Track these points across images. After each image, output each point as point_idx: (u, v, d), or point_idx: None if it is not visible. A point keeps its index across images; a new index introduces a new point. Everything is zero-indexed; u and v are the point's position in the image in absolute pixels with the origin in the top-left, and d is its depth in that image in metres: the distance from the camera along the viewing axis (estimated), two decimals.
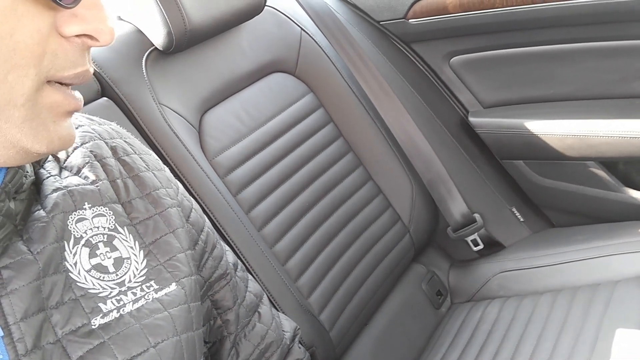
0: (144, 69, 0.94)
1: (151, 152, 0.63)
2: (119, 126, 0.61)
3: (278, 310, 0.93)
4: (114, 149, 0.56)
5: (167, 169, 0.63)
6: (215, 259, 0.64)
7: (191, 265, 0.56)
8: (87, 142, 0.54)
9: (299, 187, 1.08)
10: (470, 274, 1.26)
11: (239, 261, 0.73)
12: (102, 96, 0.91)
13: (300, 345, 0.77)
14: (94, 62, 0.91)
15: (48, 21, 0.39)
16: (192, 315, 0.54)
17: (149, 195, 0.56)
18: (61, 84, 0.42)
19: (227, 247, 0.70)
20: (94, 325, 0.46)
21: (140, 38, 0.97)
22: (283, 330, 0.74)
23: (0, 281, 0.43)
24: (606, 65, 1.14)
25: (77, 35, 0.41)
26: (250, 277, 0.74)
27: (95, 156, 0.54)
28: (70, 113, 0.43)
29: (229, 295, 0.66)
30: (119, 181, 0.54)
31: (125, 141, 0.59)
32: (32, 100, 0.40)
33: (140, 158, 0.59)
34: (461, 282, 1.27)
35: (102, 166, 0.54)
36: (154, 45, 0.96)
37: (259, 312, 0.71)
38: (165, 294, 0.52)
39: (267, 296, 0.91)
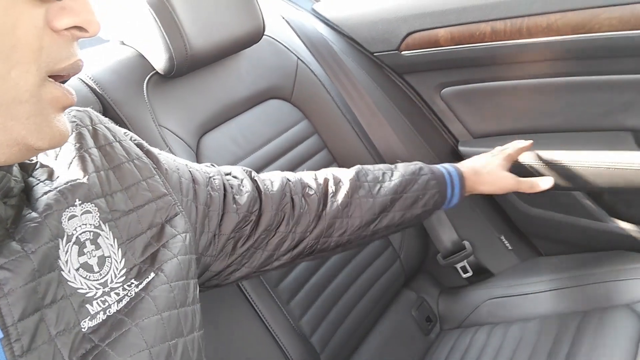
0: (145, 91, 0.96)
1: (129, 134, 0.63)
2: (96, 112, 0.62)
3: (271, 332, 0.94)
4: (95, 137, 0.57)
5: (145, 145, 0.64)
6: (214, 210, 0.70)
7: (174, 250, 0.57)
8: (71, 134, 0.55)
9: None
10: (460, 301, 1.28)
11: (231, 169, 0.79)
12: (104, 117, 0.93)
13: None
14: (96, 84, 0.94)
15: (41, 15, 0.40)
16: (173, 294, 0.55)
17: (129, 189, 0.57)
18: (59, 78, 0.43)
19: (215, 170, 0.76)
20: (84, 328, 0.47)
21: (142, 62, 1.00)
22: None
23: None
24: (591, 98, 1.18)
25: (66, 29, 0.42)
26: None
27: (80, 147, 0.55)
28: (64, 108, 0.44)
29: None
30: (102, 173, 0.55)
31: (106, 127, 0.60)
32: (36, 96, 0.40)
33: (121, 145, 0.59)
34: (450, 308, 1.29)
35: (88, 157, 0.54)
36: (155, 69, 0.99)
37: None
38: (146, 283, 0.53)
39: (260, 318, 0.93)
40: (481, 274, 1.28)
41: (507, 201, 1.33)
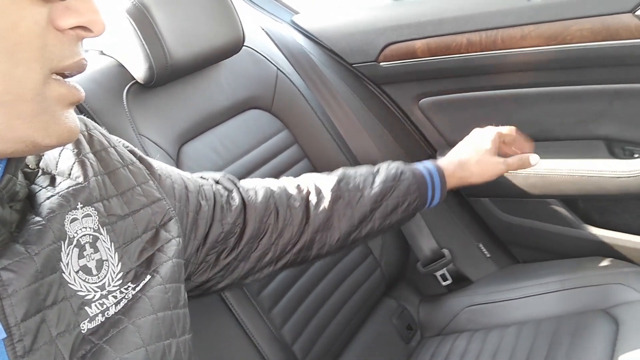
0: (124, 101, 0.96)
1: (121, 140, 0.64)
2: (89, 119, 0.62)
3: (252, 340, 0.94)
4: (91, 142, 0.58)
5: (138, 152, 0.65)
6: (202, 218, 0.70)
7: (169, 253, 0.58)
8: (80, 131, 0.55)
9: None
10: (440, 308, 1.29)
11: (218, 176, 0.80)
12: None
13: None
14: None
15: (44, 14, 0.40)
16: (168, 295, 0.56)
17: (124, 194, 0.58)
18: (63, 76, 0.43)
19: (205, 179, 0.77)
20: (83, 329, 0.48)
21: (121, 72, 1.00)
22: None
23: (0, 283, 0.43)
24: (565, 108, 1.21)
25: (71, 28, 0.42)
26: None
27: (79, 152, 0.55)
28: (73, 105, 0.45)
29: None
30: (99, 177, 0.56)
31: (100, 132, 0.61)
32: (41, 95, 0.41)
33: (116, 151, 0.60)
34: (431, 316, 1.30)
35: (87, 161, 0.55)
36: (134, 79, 0.99)
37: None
38: (142, 285, 0.54)
39: (242, 326, 0.93)
40: (460, 282, 1.30)
41: (485, 209, 1.35)
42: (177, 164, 1.01)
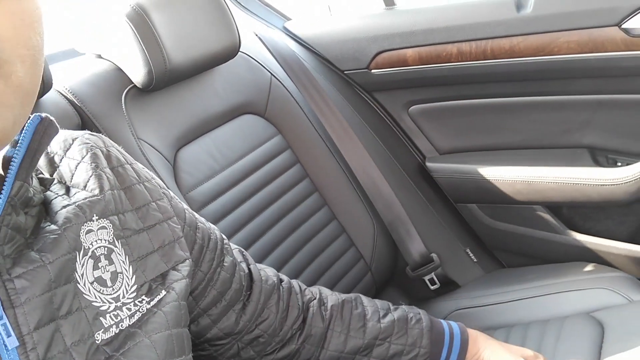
0: (123, 105, 0.97)
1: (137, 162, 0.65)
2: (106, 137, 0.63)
3: None
4: (108, 158, 0.58)
5: (155, 176, 0.65)
6: (212, 250, 0.69)
7: (183, 272, 0.59)
8: (85, 155, 0.56)
9: (267, 224, 1.12)
10: (428, 312, 1.28)
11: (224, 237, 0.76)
12: (82, 129, 0.93)
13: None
14: (74, 96, 0.94)
15: None
16: (181, 312, 0.56)
17: (140, 209, 0.58)
18: None
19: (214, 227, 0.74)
20: (98, 340, 0.48)
21: (119, 75, 1.00)
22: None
23: (14, 291, 0.44)
24: (551, 117, 1.25)
25: None
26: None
27: (96, 167, 0.56)
28: None
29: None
30: (115, 192, 0.56)
31: (118, 150, 0.62)
32: None
33: (132, 168, 0.61)
34: None
35: (104, 175, 0.56)
36: (133, 82, 1.00)
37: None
38: (158, 300, 0.54)
39: None
40: (448, 286, 1.32)
41: (472, 215, 1.38)
42: (174, 168, 1.01)
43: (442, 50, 1.24)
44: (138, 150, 0.94)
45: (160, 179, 0.95)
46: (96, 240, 0.51)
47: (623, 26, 1.04)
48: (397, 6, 1.34)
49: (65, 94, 0.94)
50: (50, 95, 0.91)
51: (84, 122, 0.93)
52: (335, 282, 1.19)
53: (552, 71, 1.16)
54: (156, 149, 0.98)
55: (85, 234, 0.51)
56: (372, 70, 1.34)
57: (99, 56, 1.04)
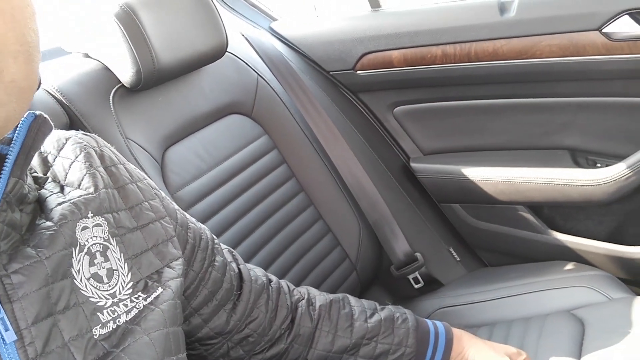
0: (111, 104, 0.97)
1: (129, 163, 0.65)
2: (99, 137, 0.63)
3: None
4: (102, 158, 0.59)
5: (147, 177, 0.66)
6: (203, 250, 0.69)
7: (177, 270, 0.59)
8: (79, 154, 0.57)
9: (253, 224, 1.13)
10: (412, 310, 1.31)
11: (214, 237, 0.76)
12: (70, 129, 0.93)
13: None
14: (62, 96, 0.93)
15: None
16: (177, 311, 0.57)
17: (133, 208, 0.59)
18: None
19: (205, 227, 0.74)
20: (95, 335, 0.49)
21: (107, 75, 1.00)
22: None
23: (11, 286, 0.44)
24: (533, 119, 1.27)
25: None
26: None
27: (90, 165, 0.56)
28: None
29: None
30: (109, 190, 0.57)
31: (110, 150, 0.62)
32: None
33: (125, 168, 0.61)
34: None
35: (98, 174, 0.56)
36: (121, 82, 0.99)
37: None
38: (154, 297, 0.55)
39: None
40: (432, 284, 1.34)
41: (456, 215, 1.40)
42: (162, 168, 1.01)
43: (427, 52, 1.26)
44: (126, 149, 0.94)
45: (149, 178, 0.96)
46: (92, 237, 0.52)
47: (603, 30, 1.07)
48: (383, 8, 1.36)
49: (53, 93, 0.93)
50: (38, 94, 0.90)
51: (72, 121, 0.93)
52: (321, 282, 1.20)
53: (534, 74, 1.19)
54: (144, 149, 0.98)
55: (81, 231, 0.51)
56: (358, 72, 1.35)
57: (87, 55, 1.03)
